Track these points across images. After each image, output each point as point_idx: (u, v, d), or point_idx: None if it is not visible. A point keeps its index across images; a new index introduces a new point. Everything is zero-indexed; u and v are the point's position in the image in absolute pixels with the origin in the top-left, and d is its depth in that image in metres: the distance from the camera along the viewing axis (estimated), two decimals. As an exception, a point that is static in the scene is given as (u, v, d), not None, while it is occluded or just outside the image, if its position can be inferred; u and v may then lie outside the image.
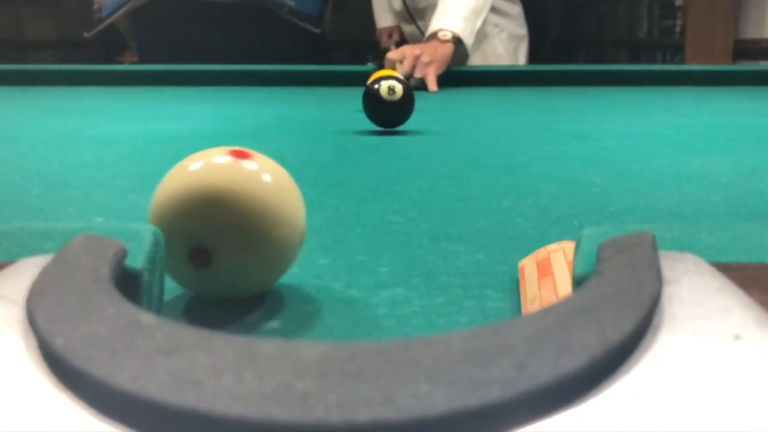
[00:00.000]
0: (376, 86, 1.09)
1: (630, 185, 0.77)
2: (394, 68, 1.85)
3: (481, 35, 2.20)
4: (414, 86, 1.81)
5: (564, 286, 0.37)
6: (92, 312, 0.20)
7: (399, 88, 1.09)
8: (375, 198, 0.71)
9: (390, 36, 2.61)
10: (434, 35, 1.99)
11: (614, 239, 0.26)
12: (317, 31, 2.89)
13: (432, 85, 1.86)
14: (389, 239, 0.56)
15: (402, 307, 0.42)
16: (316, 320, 0.41)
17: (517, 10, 2.44)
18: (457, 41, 1.98)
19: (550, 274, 0.40)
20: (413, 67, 1.87)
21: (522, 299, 0.41)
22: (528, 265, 0.44)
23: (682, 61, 3.72)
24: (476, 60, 2.25)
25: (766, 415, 0.16)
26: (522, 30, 2.46)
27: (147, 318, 0.20)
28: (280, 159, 0.94)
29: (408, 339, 0.19)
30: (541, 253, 0.44)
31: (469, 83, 2.00)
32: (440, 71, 1.91)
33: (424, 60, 1.88)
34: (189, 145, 1.06)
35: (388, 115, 1.12)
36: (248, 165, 0.39)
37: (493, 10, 2.23)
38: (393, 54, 1.93)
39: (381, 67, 1.84)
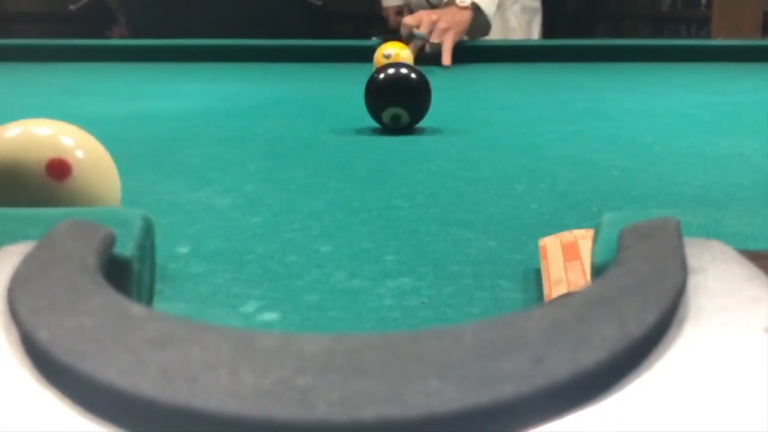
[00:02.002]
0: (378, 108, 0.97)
1: (653, 168, 0.76)
2: (411, 34, 1.89)
3: None
4: (431, 53, 1.85)
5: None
6: (78, 303, 0.20)
7: (405, 116, 0.96)
8: (380, 181, 0.71)
9: (400, 14, 2.60)
10: (452, 1, 2.00)
11: (636, 225, 0.26)
12: (319, 3, 2.88)
13: (446, 53, 1.88)
14: (395, 225, 0.56)
15: (409, 298, 0.42)
16: (317, 312, 0.41)
17: (530, -20, 2.43)
18: (475, 9, 2.00)
19: (578, 259, 0.40)
20: (430, 33, 1.90)
21: (544, 279, 0.41)
22: (551, 244, 0.43)
23: (708, 36, 3.70)
24: (489, 34, 2.24)
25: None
26: (535, 2, 2.45)
27: (137, 309, 0.20)
28: (279, 140, 0.94)
29: (416, 332, 0.19)
30: (567, 235, 0.43)
31: (480, 59, 1.99)
32: (457, 38, 1.94)
33: (442, 26, 1.90)
34: (181, 124, 1.06)
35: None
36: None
37: None
38: (409, 19, 1.96)
39: (387, 40, 1.83)
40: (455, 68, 1.84)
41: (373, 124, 0.98)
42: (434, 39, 1.90)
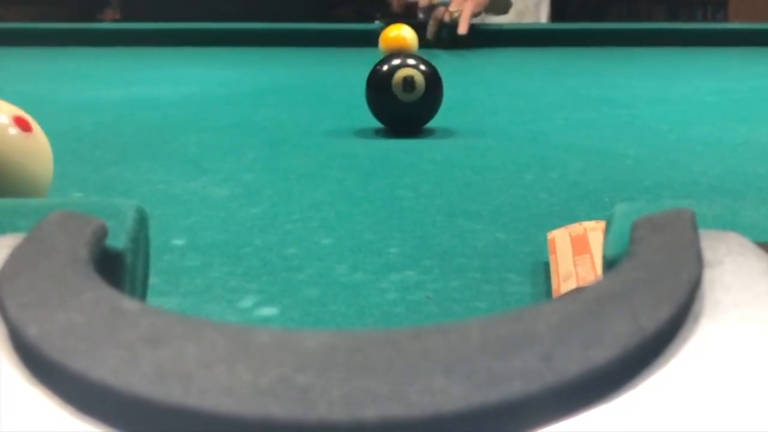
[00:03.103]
0: (387, 73, 0.86)
1: (667, 157, 0.76)
2: (430, 5, 1.93)
3: None
4: (449, 22, 1.90)
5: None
6: (69, 297, 0.20)
7: (420, 79, 0.85)
8: (383, 171, 0.71)
9: None
10: None
11: (649, 217, 0.26)
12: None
13: (464, 22, 1.92)
14: (399, 217, 0.56)
15: (413, 292, 0.42)
16: (318, 307, 0.41)
17: (539, -39, 2.43)
18: None
19: (587, 252, 0.40)
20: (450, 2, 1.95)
21: (553, 274, 0.41)
22: (560, 237, 0.43)
23: (725, 19, 3.69)
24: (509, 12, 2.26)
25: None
26: (544, -16, 2.45)
27: (130, 304, 0.20)
28: (279, 127, 0.94)
29: (420, 328, 0.19)
30: (576, 228, 0.43)
31: (488, 44, 1.99)
32: (477, 10, 1.97)
33: None
34: (177, 111, 1.06)
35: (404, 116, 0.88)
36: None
37: None
38: None
39: (390, 23, 1.83)
40: (460, 53, 1.84)
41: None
42: (453, 8, 1.93)
